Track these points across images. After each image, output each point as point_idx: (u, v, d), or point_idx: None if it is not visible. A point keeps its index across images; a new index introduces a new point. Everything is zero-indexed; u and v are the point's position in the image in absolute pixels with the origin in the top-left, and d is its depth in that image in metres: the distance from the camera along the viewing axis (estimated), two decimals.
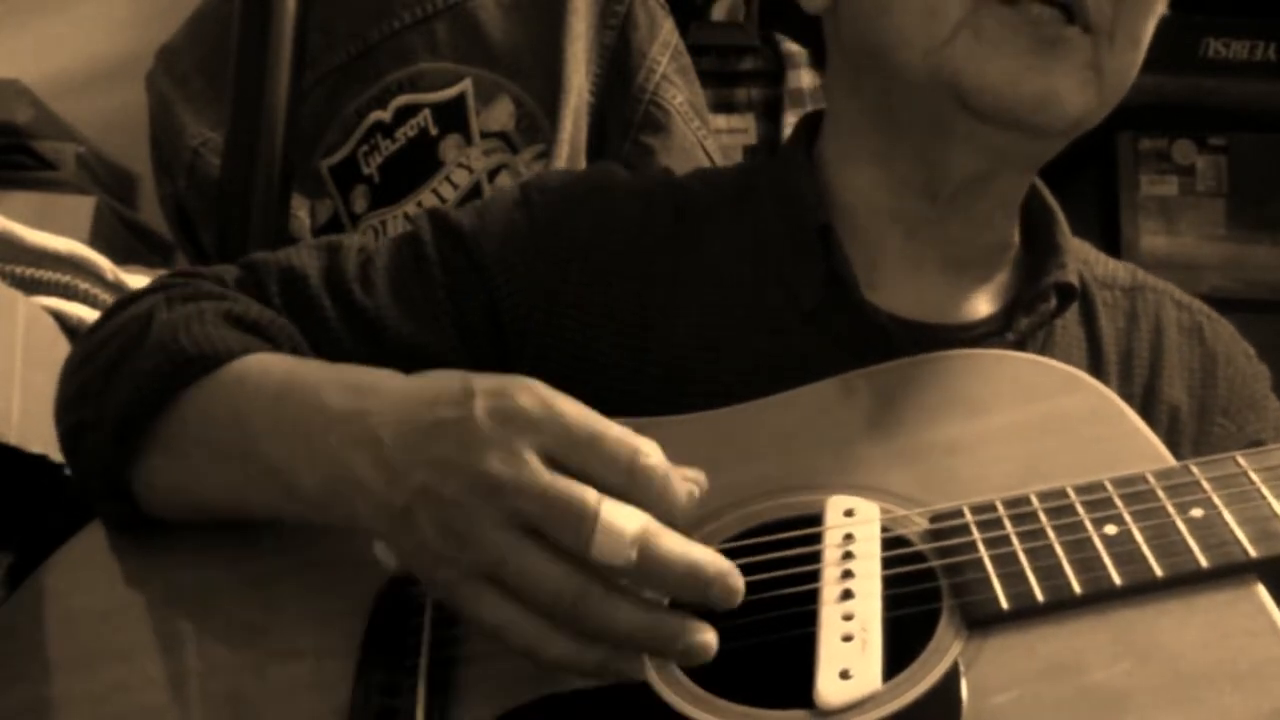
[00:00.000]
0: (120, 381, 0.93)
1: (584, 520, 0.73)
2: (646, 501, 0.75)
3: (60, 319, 1.36)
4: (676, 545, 0.74)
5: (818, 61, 1.16)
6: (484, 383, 0.78)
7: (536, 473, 0.74)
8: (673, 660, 0.75)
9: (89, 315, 1.37)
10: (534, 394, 0.77)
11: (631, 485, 0.75)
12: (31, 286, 1.38)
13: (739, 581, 0.75)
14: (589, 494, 0.74)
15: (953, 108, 0.94)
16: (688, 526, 0.77)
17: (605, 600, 0.74)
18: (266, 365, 0.92)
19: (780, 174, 1.08)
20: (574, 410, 0.76)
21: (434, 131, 1.82)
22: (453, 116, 1.82)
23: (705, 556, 0.74)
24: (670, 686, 0.76)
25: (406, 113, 1.83)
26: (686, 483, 0.77)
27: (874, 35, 0.98)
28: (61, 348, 1.30)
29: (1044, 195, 1.08)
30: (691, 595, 0.75)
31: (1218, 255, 2.18)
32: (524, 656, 0.76)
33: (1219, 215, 2.19)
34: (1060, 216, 1.07)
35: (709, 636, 0.74)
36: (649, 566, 0.73)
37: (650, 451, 0.76)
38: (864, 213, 1.03)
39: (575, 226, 1.03)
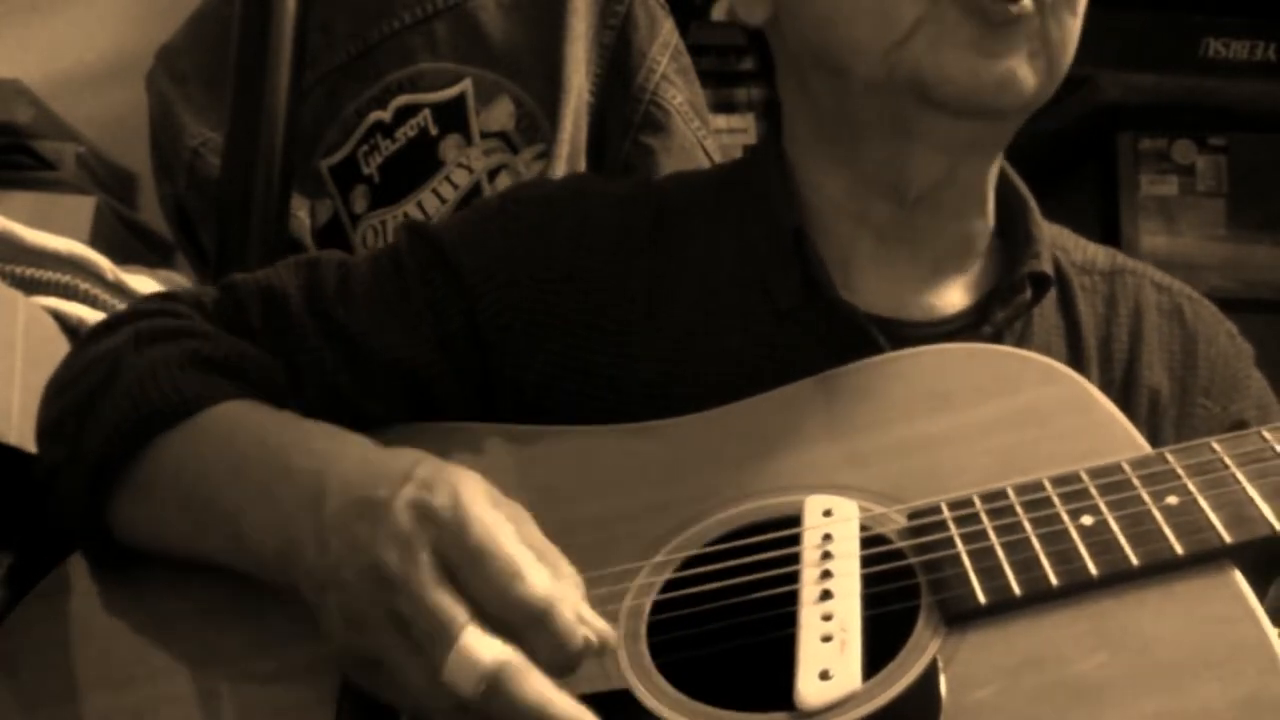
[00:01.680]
0: (91, 427, 0.93)
1: (442, 641, 0.71)
2: (520, 633, 0.72)
3: (60, 319, 1.35)
4: (530, 693, 0.70)
5: (761, 73, 1.15)
6: (425, 470, 0.77)
7: (422, 577, 0.73)
8: None
9: (89, 315, 1.37)
10: (454, 495, 0.75)
11: (505, 613, 0.72)
12: (31, 286, 1.38)
13: None
14: (459, 614, 0.71)
15: (913, 106, 0.95)
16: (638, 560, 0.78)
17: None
18: (234, 417, 0.92)
19: (754, 176, 1.07)
20: (480, 522, 0.74)
21: (434, 131, 1.81)
22: (453, 116, 1.81)
23: (564, 712, 0.71)
24: (651, 691, 0.76)
25: (406, 113, 1.83)
26: (582, 626, 0.73)
27: (823, 43, 0.98)
28: (61, 348, 1.29)
29: (1016, 183, 1.08)
30: None
31: (1218, 255, 2.17)
32: None
33: (1219, 215, 2.19)
34: (1033, 204, 1.07)
35: None
36: (495, 707, 0.70)
37: (534, 581, 0.73)
38: (833, 215, 1.04)
39: (555, 235, 1.03)
